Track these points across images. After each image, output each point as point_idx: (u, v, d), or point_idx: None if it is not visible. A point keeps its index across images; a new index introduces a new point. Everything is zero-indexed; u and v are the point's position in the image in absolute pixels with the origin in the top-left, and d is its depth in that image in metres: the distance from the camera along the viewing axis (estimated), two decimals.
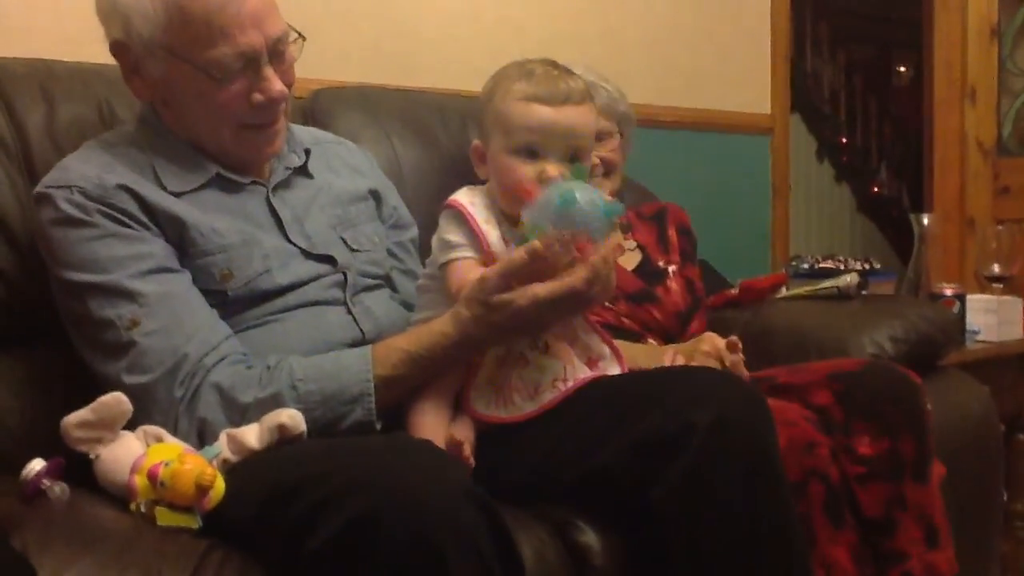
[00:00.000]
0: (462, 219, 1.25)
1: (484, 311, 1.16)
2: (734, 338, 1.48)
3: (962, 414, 1.79)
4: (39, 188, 1.25)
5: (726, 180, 2.78)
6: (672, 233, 1.84)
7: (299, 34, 1.30)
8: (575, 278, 1.15)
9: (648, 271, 1.78)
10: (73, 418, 1.11)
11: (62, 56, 1.53)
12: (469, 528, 0.92)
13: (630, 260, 1.79)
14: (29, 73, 1.45)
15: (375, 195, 1.50)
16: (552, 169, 1.22)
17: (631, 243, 1.81)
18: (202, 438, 1.16)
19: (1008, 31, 3.54)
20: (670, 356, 1.52)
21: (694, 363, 1.48)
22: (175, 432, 1.16)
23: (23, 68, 1.46)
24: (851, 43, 5.46)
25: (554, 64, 1.28)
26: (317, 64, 2.04)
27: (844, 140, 5.35)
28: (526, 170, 1.23)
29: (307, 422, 1.13)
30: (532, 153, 1.24)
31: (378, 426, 1.18)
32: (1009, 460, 2.13)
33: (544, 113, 1.23)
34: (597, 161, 1.77)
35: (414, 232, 1.57)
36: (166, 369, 1.17)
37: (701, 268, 1.90)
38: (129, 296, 1.18)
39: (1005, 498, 2.03)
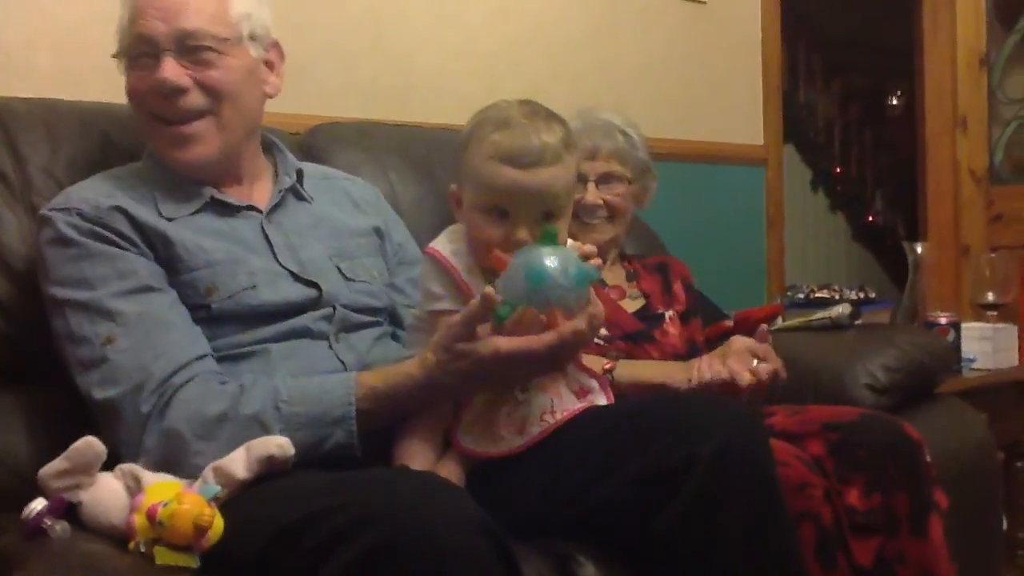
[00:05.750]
0: (444, 271, 1.23)
1: (448, 357, 1.16)
2: (764, 327, 1.49)
3: (960, 442, 1.79)
4: (42, 211, 1.30)
5: (721, 211, 2.80)
6: (678, 288, 1.86)
7: (216, 50, 1.30)
8: (540, 341, 1.13)
9: (647, 315, 1.79)
10: (49, 469, 1.11)
11: (64, 95, 1.54)
12: (485, 562, 0.92)
13: (632, 304, 1.81)
14: (31, 112, 1.46)
15: (379, 232, 1.51)
16: (521, 233, 1.18)
17: (635, 291, 1.83)
18: (169, 454, 1.16)
19: (997, 61, 3.58)
20: (706, 362, 1.49)
21: (730, 362, 1.46)
22: (140, 449, 1.17)
23: (26, 107, 1.47)
24: (845, 74, 5.49)
25: (534, 110, 1.23)
26: (315, 100, 2.08)
27: (838, 170, 5.38)
28: (495, 232, 1.20)
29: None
30: (502, 213, 1.20)
31: (359, 452, 1.18)
32: (1008, 488, 2.13)
33: (514, 177, 1.18)
34: (600, 202, 1.76)
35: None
36: (132, 385, 1.19)
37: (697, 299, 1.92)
38: (108, 315, 1.22)
39: (1005, 526, 2.02)
